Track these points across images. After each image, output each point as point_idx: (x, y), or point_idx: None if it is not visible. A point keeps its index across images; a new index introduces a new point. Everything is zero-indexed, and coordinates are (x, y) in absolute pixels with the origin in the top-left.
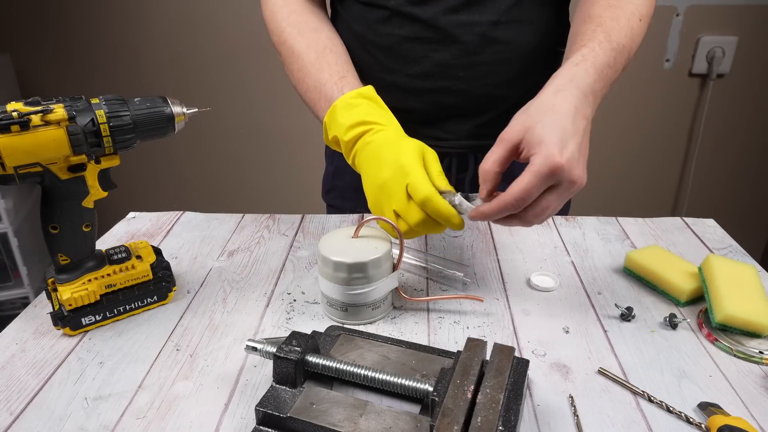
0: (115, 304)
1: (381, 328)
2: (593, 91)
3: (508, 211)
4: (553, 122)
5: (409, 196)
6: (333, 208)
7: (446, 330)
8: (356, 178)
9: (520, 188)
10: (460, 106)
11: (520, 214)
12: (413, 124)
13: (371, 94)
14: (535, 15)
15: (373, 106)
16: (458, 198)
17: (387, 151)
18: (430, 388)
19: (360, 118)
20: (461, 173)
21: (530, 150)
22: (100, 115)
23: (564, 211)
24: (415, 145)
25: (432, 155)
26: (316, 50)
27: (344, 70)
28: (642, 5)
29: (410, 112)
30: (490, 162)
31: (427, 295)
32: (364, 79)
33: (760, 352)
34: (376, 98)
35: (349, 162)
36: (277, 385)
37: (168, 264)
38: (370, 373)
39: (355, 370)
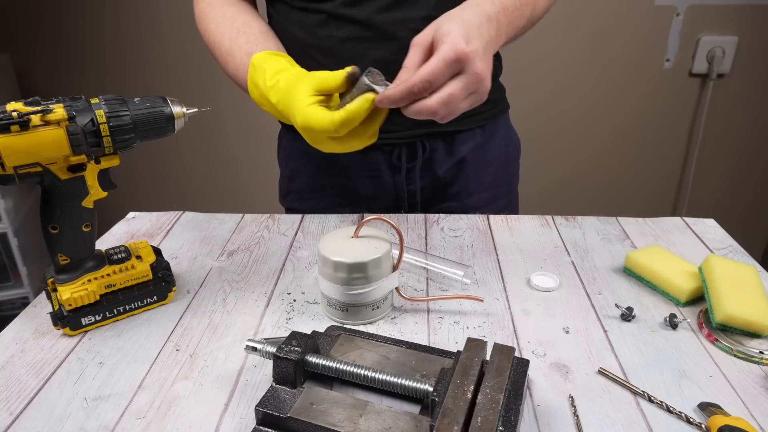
0: (114, 304)
1: (381, 328)
2: (497, 20)
3: (414, 95)
4: (460, 22)
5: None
6: (292, 211)
7: (446, 330)
8: (311, 178)
9: (426, 71)
10: None
11: (428, 102)
12: None
13: (259, 60)
14: None
15: (263, 70)
16: (367, 80)
17: (290, 110)
18: (430, 388)
19: (263, 94)
20: (411, 162)
21: (438, 42)
22: (100, 115)
23: (564, 211)
24: (301, 82)
25: (319, 76)
26: (229, 36)
27: (254, 48)
28: None
29: None
30: (410, 66)
31: (427, 295)
32: None
33: (761, 352)
34: (263, 63)
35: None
36: (277, 385)
37: (168, 264)
38: (370, 373)
39: (355, 370)
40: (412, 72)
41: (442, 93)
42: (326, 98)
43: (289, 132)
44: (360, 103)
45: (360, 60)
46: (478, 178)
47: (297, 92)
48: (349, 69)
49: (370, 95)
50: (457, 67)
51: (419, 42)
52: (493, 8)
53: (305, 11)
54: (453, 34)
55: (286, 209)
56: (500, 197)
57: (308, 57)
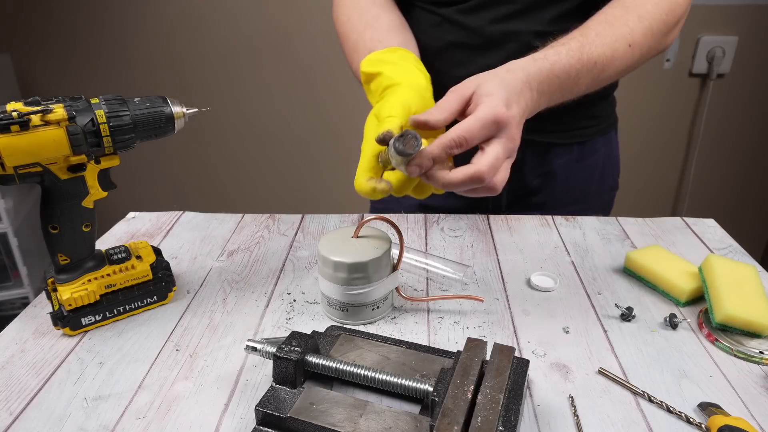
0: (114, 304)
1: (381, 328)
2: (538, 90)
3: (448, 149)
4: (502, 85)
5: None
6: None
7: (446, 330)
8: None
9: (461, 128)
10: None
11: (478, 167)
12: None
13: (365, 66)
14: (576, 26)
15: (374, 84)
16: (393, 149)
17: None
18: (430, 388)
19: (375, 99)
20: None
21: (478, 101)
22: (100, 114)
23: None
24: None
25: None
26: (357, 31)
27: (376, 45)
28: (638, 33)
29: None
30: (446, 111)
31: (427, 295)
32: None
33: (761, 352)
34: (381, 65)
35: None
36: (277, 385)
37: (168, 264)
38: (370, 373)
39: (355, 370)
40: (444, 112)
41: (488, 155)
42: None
43: None
44: (401, 177)
45: (465, 65)
46: (566, 193)
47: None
48: (379, 134)
49: (403, 171)
50: (493, 130)
51: (458, 90)
52: (537, 76)
53: (424, 11)
54: (494, 96)
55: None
56: (588, 211)
57: (420, 56)
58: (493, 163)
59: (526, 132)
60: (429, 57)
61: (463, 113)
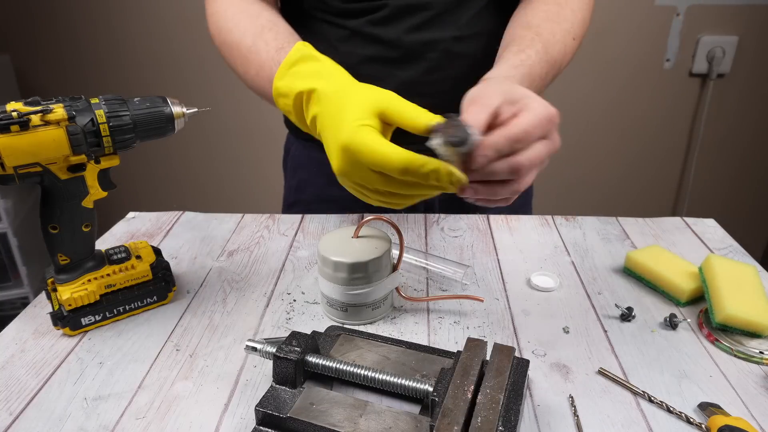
0: (114, 304)
1: (381, 328)
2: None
3: (514, 143)
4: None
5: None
6: None
7: (446, 330)
8: (321, 189)
9: (523, 123)
10: None
11: (518, 158)
12: None
13: (302, 53)
14: (493, 26)
15: (309, 65)
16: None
17: (329, 133)
18: (430, 389)
19: (298, 89)
20: None
21: (521, 103)
22: (100, 114)
23: (564, 211)
24: (359, 106)
25: (392, 100)
26: (252, 33)
27: (284, 43)
28: (577, 25)
29: None
30: (480, 124)
31: (427, 295)
32: None
33: (761, 352)
34: (307, 57)
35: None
36: (277, 386)
37: (168, 264)
38: (370, 374)
39: (355, 370)
40: (482, 129)
41: (532, 151)
42: (384, 127)
43: (299, 139)
44: (440, 169)
45: (384, 81)
46: None
47: (352, 104)
48: (435, 121)
49: (454, 173)
50: (547, 130)
51: (488, 103)
52: (521, 82)
53: (329, 24)
54: (533, 97)
55: None
56: (520, 208)
57: None
58: (534, 157)
59: None
60: None
61: (491, 127)
